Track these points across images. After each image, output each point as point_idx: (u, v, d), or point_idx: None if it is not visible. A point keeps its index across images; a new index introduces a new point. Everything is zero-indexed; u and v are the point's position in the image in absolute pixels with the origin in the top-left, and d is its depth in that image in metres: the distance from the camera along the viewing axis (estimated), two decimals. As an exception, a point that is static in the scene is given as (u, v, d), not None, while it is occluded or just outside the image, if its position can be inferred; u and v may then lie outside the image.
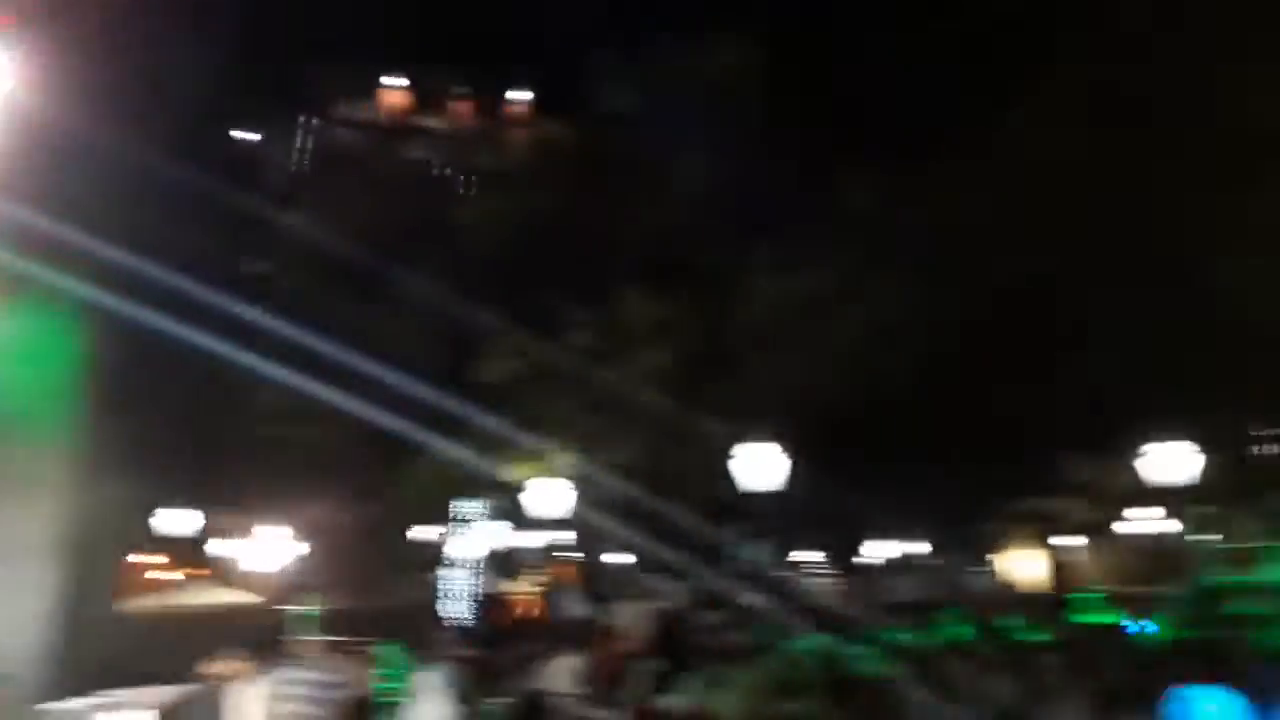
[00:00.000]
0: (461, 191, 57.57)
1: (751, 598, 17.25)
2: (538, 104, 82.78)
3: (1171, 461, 14.87)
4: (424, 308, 23.72)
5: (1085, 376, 21.04)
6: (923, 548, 29.05)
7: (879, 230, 21.04)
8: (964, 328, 19.79)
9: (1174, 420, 16.61)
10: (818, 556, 32.00)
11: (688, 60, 24.18)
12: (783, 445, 15.00)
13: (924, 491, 22.55)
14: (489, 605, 26.28)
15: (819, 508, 20.08)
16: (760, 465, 14.71)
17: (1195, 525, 18.21)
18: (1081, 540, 31.65)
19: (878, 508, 23.87)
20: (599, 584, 26.15)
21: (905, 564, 29.98)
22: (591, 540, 25.96)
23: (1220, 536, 16.50)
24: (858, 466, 19.78)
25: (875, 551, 30.98)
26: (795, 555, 30.43)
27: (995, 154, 19.52)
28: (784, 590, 19.93)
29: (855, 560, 32.04)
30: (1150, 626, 11.09)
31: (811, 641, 11.07)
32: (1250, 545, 17.92)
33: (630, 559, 26.24)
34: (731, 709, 8.36)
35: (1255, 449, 25.25)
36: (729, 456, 15.21)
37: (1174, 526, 19.19)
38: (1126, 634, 12.02)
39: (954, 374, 20.22)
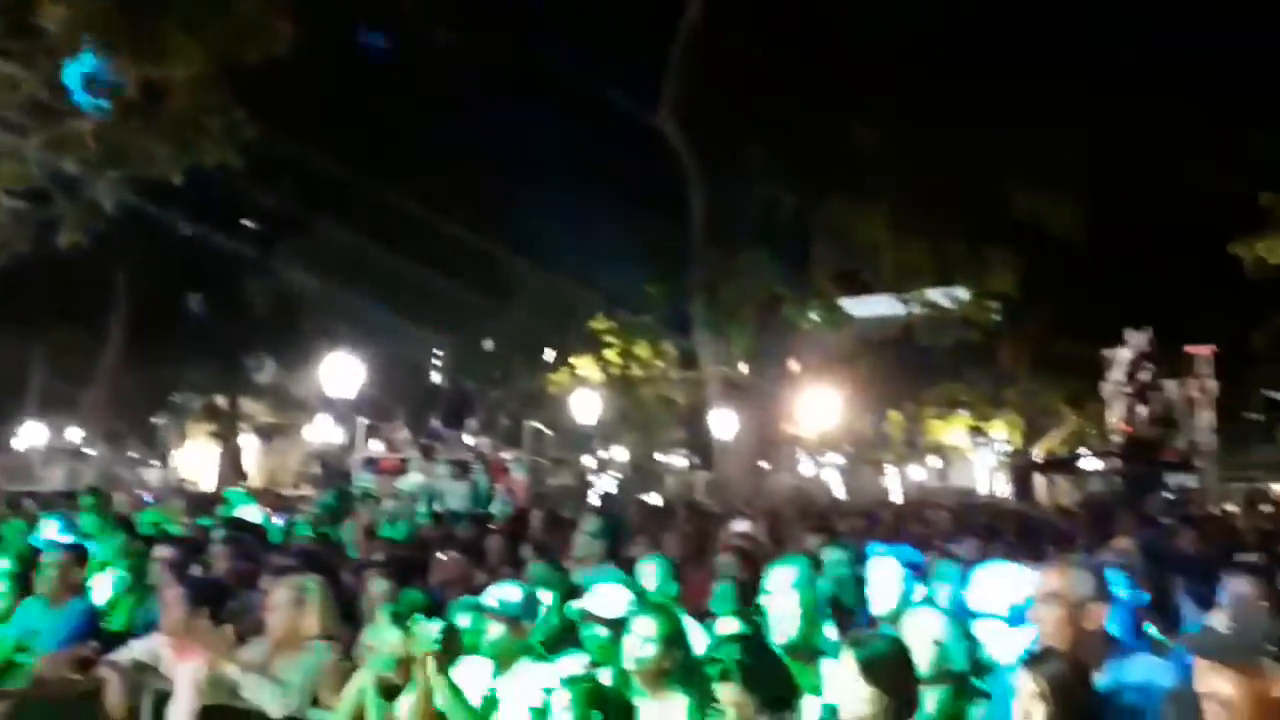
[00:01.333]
0: None
1: None
2: None
3: (342, 373, 15.66)
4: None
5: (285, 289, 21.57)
6: (77, 435, 26.54)
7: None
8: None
9: (356, 336, 17.70)
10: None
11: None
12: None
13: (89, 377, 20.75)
14: None
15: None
16: None
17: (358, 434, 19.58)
18: (259, 440, 32.51)
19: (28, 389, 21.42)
20: None
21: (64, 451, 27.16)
22: None
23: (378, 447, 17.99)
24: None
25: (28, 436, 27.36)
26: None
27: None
28: None
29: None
30: (301, 527, 11.36)
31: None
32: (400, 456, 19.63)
33: None
34: None
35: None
36: None
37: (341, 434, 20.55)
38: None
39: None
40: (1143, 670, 3.25)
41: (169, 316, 25.38)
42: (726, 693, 3.26)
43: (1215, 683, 2.50)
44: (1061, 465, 33.17)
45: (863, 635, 3.35)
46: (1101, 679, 3.20)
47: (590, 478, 25.96)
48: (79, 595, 5.48)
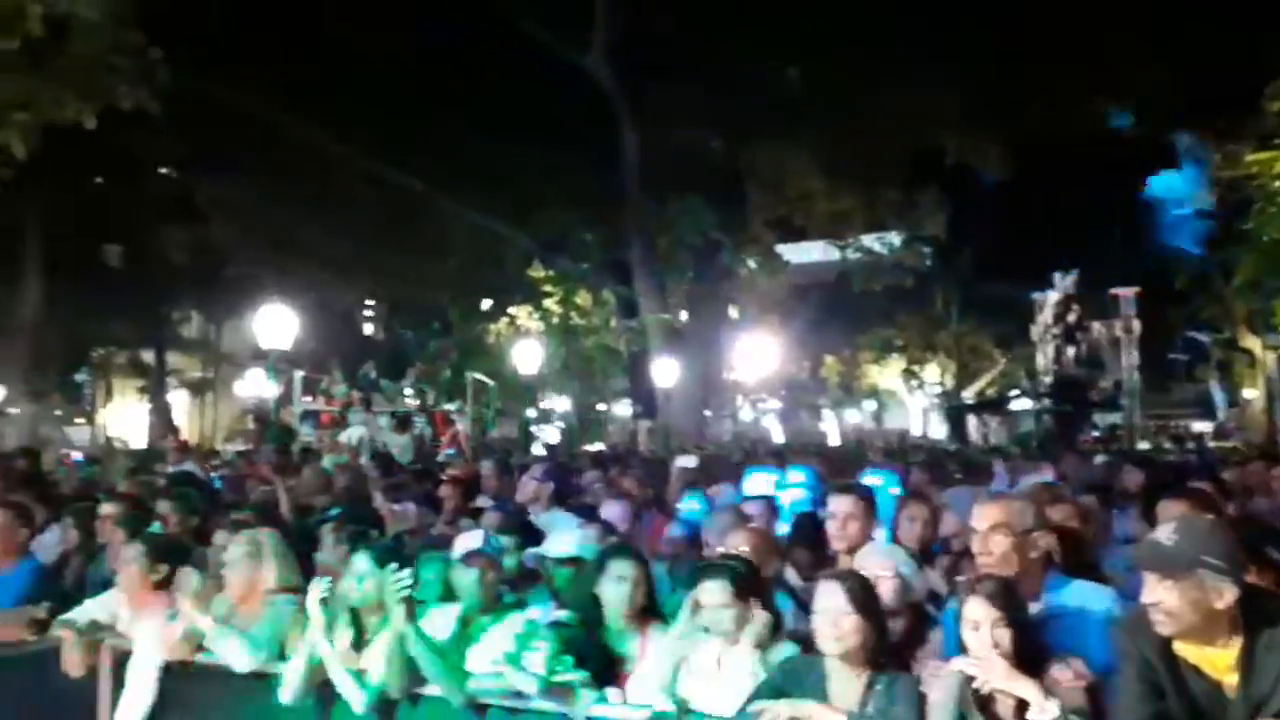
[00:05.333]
0: None
1: None
2: None
3: (276, 325, 15.32)
4: None
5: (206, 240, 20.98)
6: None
7: None
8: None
9: (285, 286, 17.27)
10: None
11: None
12: None
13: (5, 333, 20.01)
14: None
15: None
16: None
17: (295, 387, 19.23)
18: (189, 396, 31.76)
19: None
20: None
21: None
22: None
23: (311, 399, 17.70)
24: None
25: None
26: None
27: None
28: None
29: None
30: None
31: None
32: (340, 408, 19.40)
33: None
34: None
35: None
36: None
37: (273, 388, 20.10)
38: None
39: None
40: (1081, 595, 3.38)
41: (87, 268, 24.46)
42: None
43: (1159, 593, 2.61)
44: (993, 406, 34.08)
45: (840, 570, 3.41)
46: (1042, 604, 3.34)
47: (533, 428, 25.95)
48: (26, 555, 5.31)
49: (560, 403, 32.45)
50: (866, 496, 4.48)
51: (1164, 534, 2.74)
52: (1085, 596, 3.37)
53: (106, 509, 5.57)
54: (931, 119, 22.59)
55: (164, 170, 23.26)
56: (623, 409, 34.50)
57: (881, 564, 3.61)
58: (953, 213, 26.69)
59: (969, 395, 37.22)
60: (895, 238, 29.26)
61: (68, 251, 22.57)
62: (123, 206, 23.42)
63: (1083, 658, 3.04)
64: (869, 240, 29.08)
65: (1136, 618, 2.77)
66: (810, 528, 5.07)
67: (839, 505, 4.29)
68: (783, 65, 22.56)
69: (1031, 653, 2.96)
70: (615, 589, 3.92)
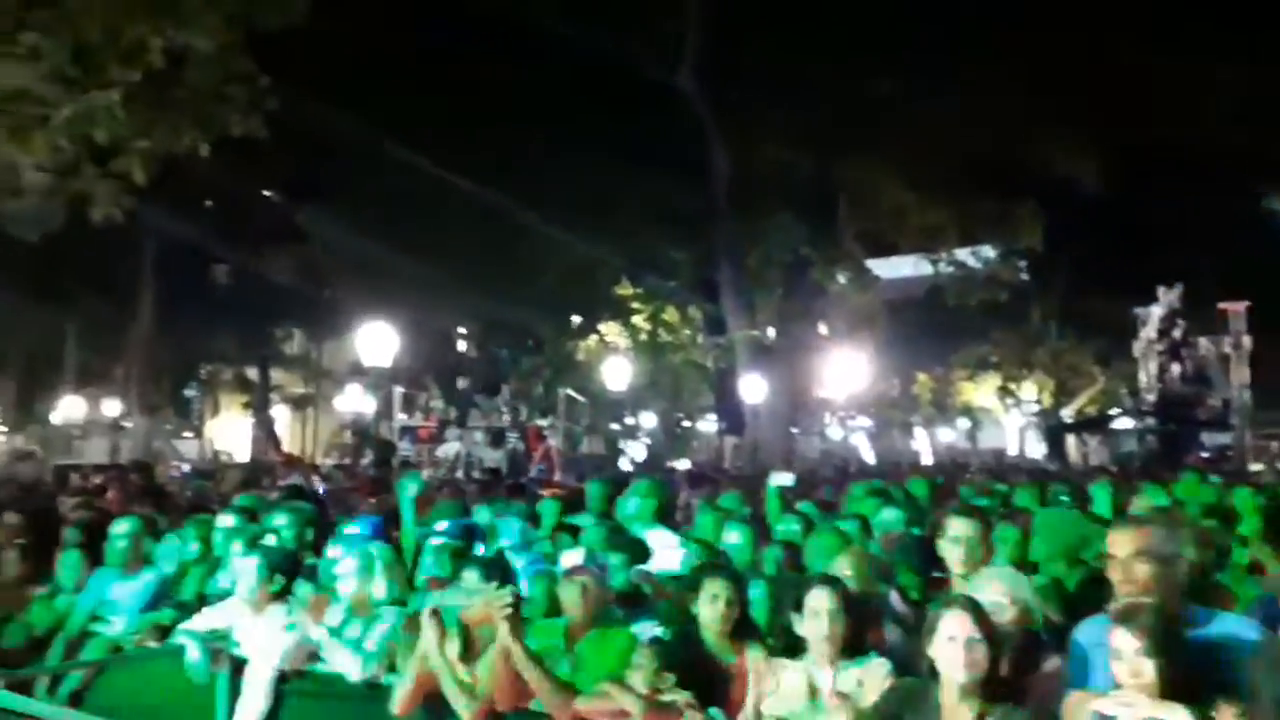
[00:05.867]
0: None
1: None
2: None
3: (377, 342, 15.72)
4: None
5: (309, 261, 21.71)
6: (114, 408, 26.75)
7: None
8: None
9: (384, 305, 17.72)
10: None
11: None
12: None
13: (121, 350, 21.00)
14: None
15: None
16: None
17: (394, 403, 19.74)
18: (290, 410, 32.77)
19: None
20: None
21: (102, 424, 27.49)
22: None
23: (408, 415, 18.16)
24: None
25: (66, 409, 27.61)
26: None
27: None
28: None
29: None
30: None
31: None
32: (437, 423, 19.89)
33: None
34: None
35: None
36: None
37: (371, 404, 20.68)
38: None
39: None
40: (1226, 626, 3.24)
41: (197, 288, 25.55)
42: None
43: None
44: (1093, 425, 32.97)
45: (965, 597, 3.33)
46: (1188, 633, 3.20)
47: (621, 444, 26.06)
48: (149, 565, 5.56)
49: (646, 419, 32.55)
50: (984, 519, 4.37)
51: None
52: (1232, 627, 3.22)
53: (223, 521, 5.78)
54: (1028, 128, 22.08)
55: (269, 194, 24.14)
56: (708, 425, 34.41)
57: (1003, 590, 3.51)
58: (1050, 225, 25.96)
59: (1068, 413, 36.08)
60: (990, 251, 28.57)
61: (179, 273, 23.60)
62: (230, 229, 24.40)
63: (1234, 691, 2.92)
64: (962, 254, 28.47)
65: (1276, 652, 2.65)
66: (914, 550, 4.98)
67: (957, 528, 4.19)
68: (874, 79, 22.31)
69: (1184, 684, 2.84)
70: (710, 608, 3.95)
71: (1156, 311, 29.51)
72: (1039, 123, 21.76)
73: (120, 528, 5.53)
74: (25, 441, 26.64)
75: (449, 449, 14.97)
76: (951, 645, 3.03)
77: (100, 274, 22.79)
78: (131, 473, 9.72)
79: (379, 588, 4.68)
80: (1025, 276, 30.36)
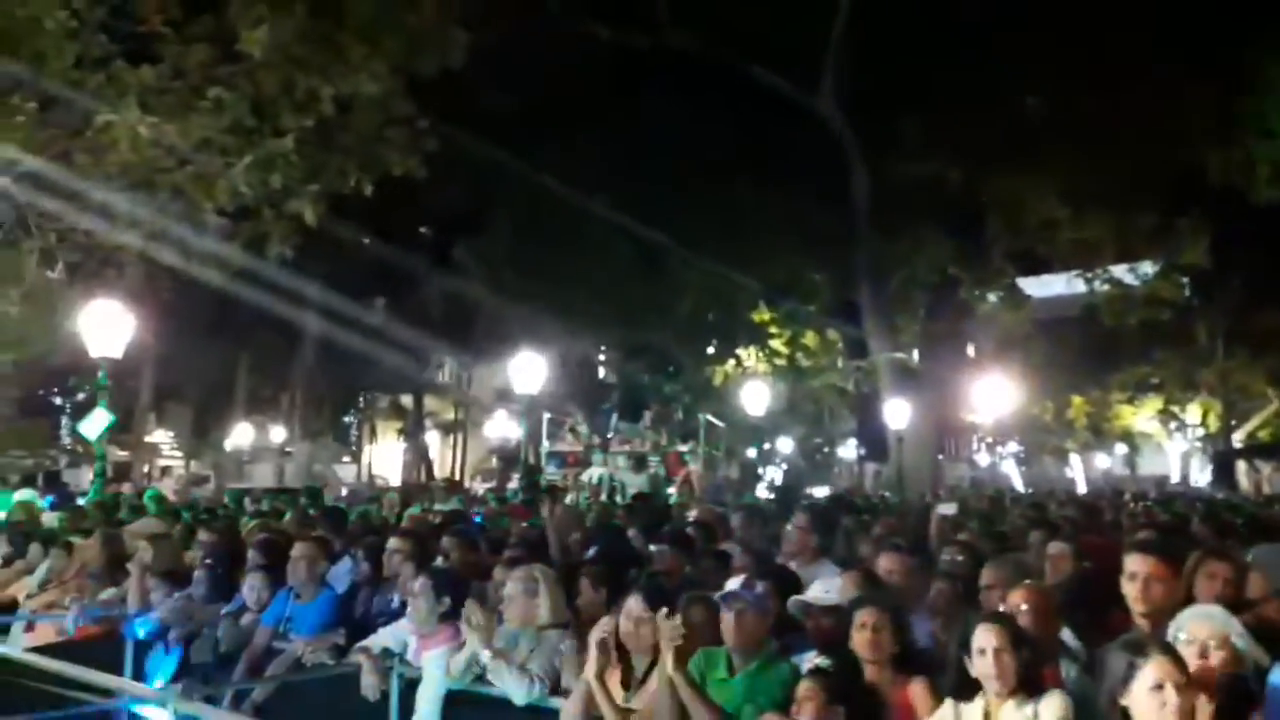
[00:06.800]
0: None
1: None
2: None
3: (528, 370, 16.11)
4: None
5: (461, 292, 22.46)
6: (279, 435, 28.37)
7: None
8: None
9: (532, 334, 18.19)
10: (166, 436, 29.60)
11: None
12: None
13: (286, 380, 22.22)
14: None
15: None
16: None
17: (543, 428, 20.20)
18: (440, 436, 33.95)
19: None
20: None
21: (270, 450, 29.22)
22: None
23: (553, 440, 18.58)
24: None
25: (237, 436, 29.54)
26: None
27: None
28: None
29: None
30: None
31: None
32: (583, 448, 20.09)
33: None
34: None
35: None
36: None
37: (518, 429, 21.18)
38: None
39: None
40: None
41: (355, 320, 26.83)
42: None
43: None
44: (1267, 451, 30.77)
45: (1163, 640, 3.18)
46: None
47: (759, 469, 25.86)
48: (325, 585, 5.87)
49: (784, 443, 32.22)
50: (1174, 556, 4.13)
51: None
52: None
53: (394, 544, 6.05)
54: (1189, 138, 20.92)
55: (423, 229, 25.21)
56: (848, 451, 33.76)
57: (1213, 631, 3.31)
58: (1217, 237, 24.48)
59: (1239, 438, 33.78)
60: (1149, 267, 27.15)
61: (338, 305, 24.86)
62: (386, 262, 25.57)
63: None
64: (1119, 271, 27.15)
65: None
66: (1084, 587, 4.79)
67: (1139, 565, 3.97)
68: (1020, 89, 21.61)
69: None
70: (860, 636, 3.93)
71: (1338, 327, 27.38)
72: (1202, 126, 20.59)
73: (299, 550, 5.85)
74: (200, 466, 28.55)
75: (593, 473, 15.22)
76: (1154, 696, 2.85)
77: (268, 308, 24.23)
78: (304, 497, 10.27)
79: (543, 609, 4.79)
80: (1188, 293, 28.74)
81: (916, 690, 3.81)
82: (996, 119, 21.54)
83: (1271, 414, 34.49)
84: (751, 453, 29.68)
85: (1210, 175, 22.13)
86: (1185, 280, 27.93)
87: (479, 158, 19.89)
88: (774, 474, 29.67)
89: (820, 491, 22.88)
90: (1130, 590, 3.92)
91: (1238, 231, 24.99)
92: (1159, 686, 2.85)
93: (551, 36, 20.48)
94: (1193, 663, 3.11)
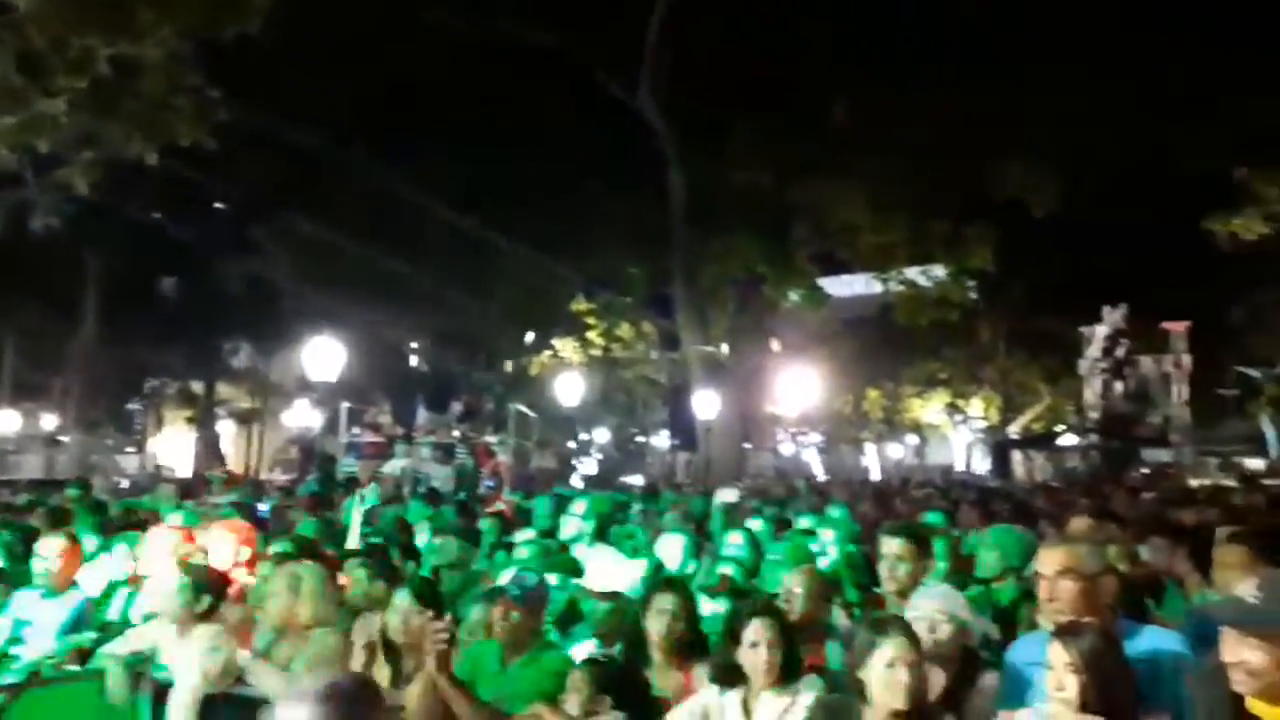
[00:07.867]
0: None
1: None
2: None
3: (324, 357, 15.45)
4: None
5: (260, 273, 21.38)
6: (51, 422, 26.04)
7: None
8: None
9: (335, 319, 17.48)
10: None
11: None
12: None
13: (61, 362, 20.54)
14: None
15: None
16: None
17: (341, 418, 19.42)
18: (235, 426, 32.23)
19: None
20: None
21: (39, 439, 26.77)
22: None
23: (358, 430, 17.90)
24: None
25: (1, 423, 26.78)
26: None
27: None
28: None
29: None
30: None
31: None
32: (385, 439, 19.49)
33: None
34: None
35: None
36: None
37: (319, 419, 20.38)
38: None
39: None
40: (1154, 641, 3.27)
41: (142, 300, 25.06)
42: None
43: (1243, 651, 2.52)
44: (1039, 442, 33.47)
45: (898, 619, 3.32)
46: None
47: (573, 460, 25.92)
48: (73, 586, 5.39)
49: (599, 434, 32.46)
50: (919, 538, 4.37)
51: (1248, 590, 2.64)
52: (1158, 642, 3.26)
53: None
54: (980, 154, 22.41)
55: (219, 205, 23.80)
56: (661, 441, 34.39)
57: (939, 608, 3.52)
58: (1001, 246, 26.35)
59: (1014, 430, 36.63)
60: (940, 270, 28.94)
61: (124, 284, 23.12)
62: (179, 240, 23.99)
63: (1157, 705, 2.94)
64: (913, 273, 28.80)
65: (1212, 672, 2.67)
66: (859, 568, 5.00)
67: (890, 547, 4.19)
68: (831, 100, 22.53)
69: (1116, 700, 2.85)
70: (656, 622, 3.93)
71: (1101, 331, 30.11)
72: (993, 143, 22.10)
73: (45, 547, 5.34)
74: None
75: (394, 465, 14.77)
76: (888, 672, 2.99)
77: (40, 284, 22.26)
78: (67, 489, 9.46)
79: (305, 609, 4.57)
80: (975, 296, 30.80)
81: (698, 676, 3.85)
82: (806, 126, 22.37)
83: (1044, 408, 37.59)
84: (571, 444, 29.73)
85: (997, 190, 23.86)
86: (972, 284, 29.93)
87: (280, 134, 18.93)
88: (588, 465, 29.82)
89: (634, 480, 23.16)
90: (882, 570, 4.12)
91: (1021, 241, 26.98)
92: (891, 664, 2.97)
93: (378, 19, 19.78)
94: (925, 636, 3.28)
